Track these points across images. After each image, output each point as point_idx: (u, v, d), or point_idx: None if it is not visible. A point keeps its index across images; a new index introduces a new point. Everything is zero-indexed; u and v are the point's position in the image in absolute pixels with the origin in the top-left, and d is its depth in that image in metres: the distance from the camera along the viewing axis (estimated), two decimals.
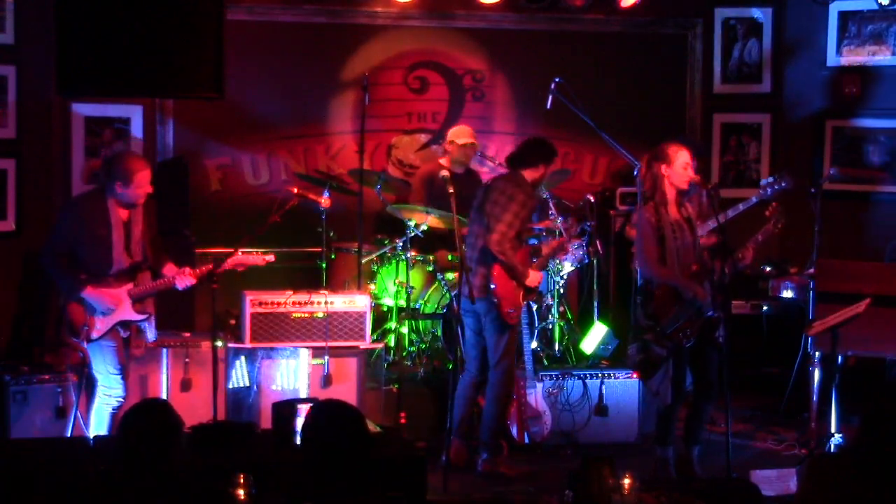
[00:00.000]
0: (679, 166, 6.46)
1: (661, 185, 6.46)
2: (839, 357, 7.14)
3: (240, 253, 6.64)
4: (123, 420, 4.04)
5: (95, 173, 6.51)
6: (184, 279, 6.50)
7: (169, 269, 6.54)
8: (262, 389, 7.26)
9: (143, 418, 3.99)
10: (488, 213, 6.78)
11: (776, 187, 7.09)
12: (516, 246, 6.76)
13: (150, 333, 6.59)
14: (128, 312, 6.41)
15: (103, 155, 8.01)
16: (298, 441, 4.03)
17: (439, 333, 8.02)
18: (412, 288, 7.98)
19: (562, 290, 8.16)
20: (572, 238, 7.58)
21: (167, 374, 7.15)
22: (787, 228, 6.81)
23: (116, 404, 6.40)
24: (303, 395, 7.16)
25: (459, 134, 8.38)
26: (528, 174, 6.86)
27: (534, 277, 6.87)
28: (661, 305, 6.42)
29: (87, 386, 6.57)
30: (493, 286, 6.73)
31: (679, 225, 6.48)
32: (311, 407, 4.06)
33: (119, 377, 6.40)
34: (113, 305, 6.35)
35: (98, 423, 6.45)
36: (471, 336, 6.97)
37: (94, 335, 6.34)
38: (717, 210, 6.52)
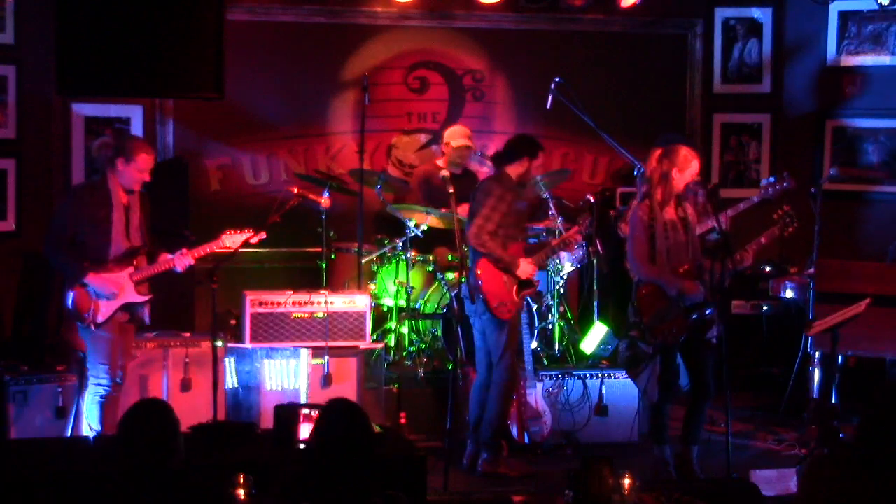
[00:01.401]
0: (688, 174, 6.48)
1: (668, 183, 6.46)
2: (839, 357, 7.15)
3: (230, 232, 6.63)
4: (123, 421, 4.05)
5: (94, 168, 6.51)
6: (182, 259, 6.54)
7: (164, 258, 6.57)
8: (261, 389, 7.26)
9: (142, 419, 4.00)
10: (471, 211, 6.86)
11: (778, 188, 7.05)
12: (497, 238, 6.74)
13: (146, 317, 6.64)
14: (131, 295, 6.46)
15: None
16: (308, 442, 4.02)
17: (439, 333, 8.02)
18: (412, 288, 7.98)
19: (562, 290, 8.16)
20: (584, 234, 7.47)
21: (167, 374, 7.15)
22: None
23: (103, 392, 6.45)
24: (303, 394, 7.17)
25: (454, 135, 8.37)
26: (513, 170, 6.86)
27: (525, 268, 6.80)
28: (646, 302, 6.43)
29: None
30: (479, 282, 6.74)
31: (674, 224, 6.47)
32: (321, 409, 4.05)
33: (107, 367, 6.44)
34: (115, 290, 6.39)
35: (89, 412, 6.52)
36: (477, 338, 6.96)
37: (100, 319, 6.39)
38: (716, 210, 6.51)
